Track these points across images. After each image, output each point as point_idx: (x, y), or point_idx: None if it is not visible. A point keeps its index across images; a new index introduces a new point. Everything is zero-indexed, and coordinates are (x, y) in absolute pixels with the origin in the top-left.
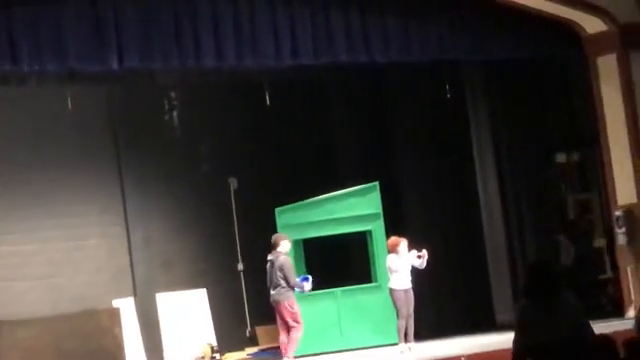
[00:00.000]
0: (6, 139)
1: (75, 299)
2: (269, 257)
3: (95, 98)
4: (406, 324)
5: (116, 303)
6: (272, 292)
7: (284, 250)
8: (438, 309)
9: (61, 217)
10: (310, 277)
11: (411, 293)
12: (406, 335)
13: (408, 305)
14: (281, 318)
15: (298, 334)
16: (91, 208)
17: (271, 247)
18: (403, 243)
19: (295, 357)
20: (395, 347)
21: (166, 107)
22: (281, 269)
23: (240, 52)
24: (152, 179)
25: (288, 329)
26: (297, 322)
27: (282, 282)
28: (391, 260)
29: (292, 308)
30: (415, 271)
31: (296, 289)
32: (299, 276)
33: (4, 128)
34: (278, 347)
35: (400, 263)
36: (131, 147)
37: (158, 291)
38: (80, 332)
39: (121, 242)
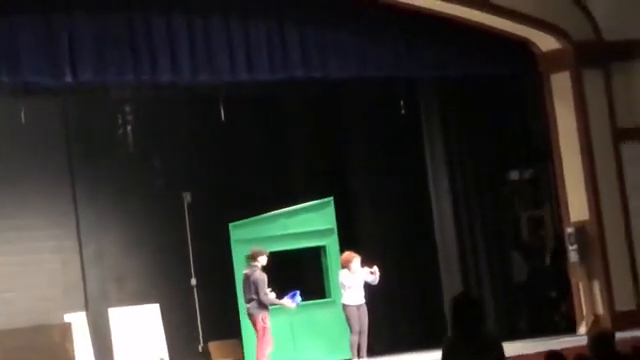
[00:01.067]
0: None
1: (27, 313)
2: (245, 271)
3: (49, 112)
4: (359, 340)
5: (68, 318)
6: (247, 305)
7: (261, 264)
8: (392, 325)
9: (13, 230)
10: (298, 292)
11: (364, 309)
12: (359, 351)
13: (361, 321)
14: (255, 330)
15: (267, 349)
16: (44, 222)
17: (248, 260)
18: (356, 259)
19: None
20: None
21: (120, 121)
22: (255, 284)
23: (195, 67)
24: (105, 193)
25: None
26: (267, 337)
27: (256, 296)
28: (344, 276)
29: (264, 323)
30: (369, 287)
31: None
32: (288, 293)
33: None
34: None
35: (353, 279)
36: (85, 161)
37: (110, 306)
38: (31, 347)
39: (73, 256)
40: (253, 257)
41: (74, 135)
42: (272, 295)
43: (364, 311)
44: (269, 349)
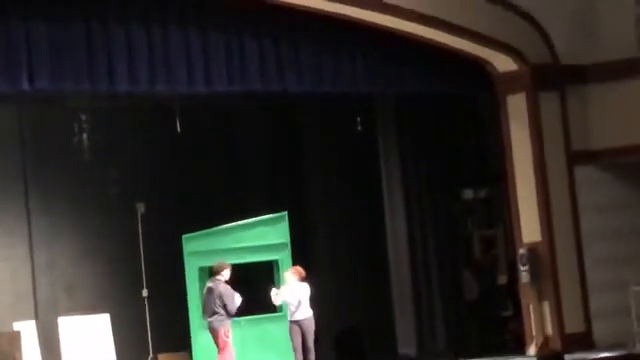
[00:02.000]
0: None
1: None
2: (208, 284)
3: (4, 117)
4: (304, 352)
5: (17, 326)
6: (209, 319)
7: (225, 278)
8: (342, 340)
9: None
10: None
11: (306, 325)
12: None
13: (303, 337)
14: (216, 344)
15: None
16: None
17: (211, 274)
18: (288, 274)
19: None
20: None
21: (76, 130)
22: (220, 297)
23: (153, 77)
24: (59, 202)
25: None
26: (228, 350)
27: (220, 310)
28: (284, 291)
29: (226, 336)
30: (321, 302)
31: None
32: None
33: None
34: None
35: (290, 294)
36: (39, 168)
37: (60, 315)
38: None
39: (24, 265)
40: (217, 271)
41: (29, 142)
42: (238, 301)
43: (307, 327)
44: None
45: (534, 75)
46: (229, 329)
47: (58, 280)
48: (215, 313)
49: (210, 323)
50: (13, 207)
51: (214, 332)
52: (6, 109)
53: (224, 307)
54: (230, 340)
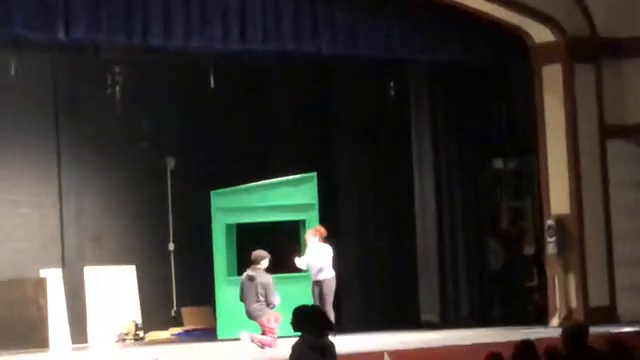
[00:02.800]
0: None
1: (2, 266)
2: (249, 272)
3: (39, 67)
4: None
5: (43, 273)
6: (249, 308)
7: (264, 267)
8: (365, 304)
9: None
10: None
11: (325, 285)
12: None
13: (322, 298)
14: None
15: (272, 344)
16: (26, 176)
17: (251, 263)
18: (309, 234)
19: (225, 339)
20: None
21: (109, 81)
22: (263, 287)
23: (188, 32)
24: (89, 152)
25: None
26: (273, 336)
27: (262, 299)
28: (305, 256)
29: (269, 323)
30: (345, 264)
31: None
32: None
33: None
34: (203, 328)
35: (311, 256)
36: (71, 118)
37: (87, 264)
38: (5, 300)
39: (53, 212)
40: (256, 260)
41: (62, 91)
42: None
43: (325, 286)
44: (271, 346)
45: (571, 47)
46: (270, 317)
47: (86, 230)
48: (257, 302)
49: (250, 312)
50: (44, 155)
51: (257, 320)
52: (41, 59)
53: (265, 297)
54: (275, 326)
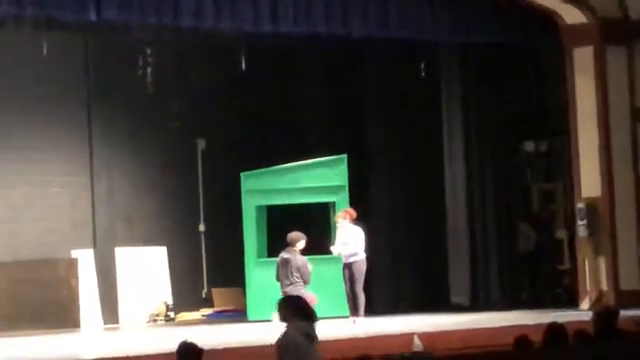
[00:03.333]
0: None
1: (33, 246)
2: (284, 255)
3: (71, 47)
4: (354, 298)
5: (75, 254)
6: (285, 289)
7: (300, 249)
8: (395, 286)
9: (25, 163)
10: None
11: (356, 267)
12: (357, 309)
13: (352, 280)
14: None
15: None
16: (57, 156)
17: (286, 244)
18: (339, 216)
19: (255, 321)
20: (345, 319)
21: (140, 63)
22: (298, 269)
23: (219, 13)
24: (120, 133)
25: None
26: None
27: (297, 280)
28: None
29: None
30: (376, 247)
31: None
32: None
33: None
34: (233, 310)
35: (340, 235)
36: (102, 99)
37: (118, 245)
38: (36, 280)
39: (84, 193)
40: (292, 242)
41: (94, 72)
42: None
43: (356, 269)
44: None
45: (603, 29)
46: (307, 295)
47: (117, 210)
48: (291, 284)
49: (286, 293)
50: (75, 135)
51: None
52: (73, 39)
53: (301, 278)
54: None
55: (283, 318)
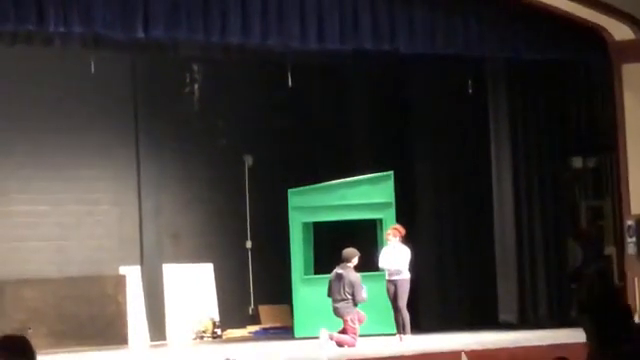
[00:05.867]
0: (27, 97)
1: (81, 263)
2: (338, 270)
3: (119, 65)
4: (397, 316)
5: (122, 270)
6: (336, 305)
7: (354, 265)
8: (443, 303)
9: (74, 180)
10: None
11: (400, 285)
12: (401, 327)
13: (396, 297)
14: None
15: (352, 343)
16: (105, 174)
17: (341, 260)
18: (389, 233)
19: (302, 338)
20: (391, 337)
21: (187, 80)
22: (351, 285)
23: (265, 31)
24: (168, 150)
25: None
26: (354, 336)
27: (348, 297)
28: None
29: (353, 323)
30: (421, 264)
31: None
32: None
33: (26, 86)
34: (280, 327)
35: (387, 252)
36: (150, 116)
37: (165, 262)
38: (84, 296)
39: (132, 210)
40: (347, 258)
41: (141, 89)
42: (365, 293)
43: (399, 287)
44: (350, 345)
45: None
46: (355, 316)
47: (164, 227)
48: (342, 300)
49: (337, 309)
50: (123, 153)
51: (340, 318)
52: (120, 56)
53: (352, 295)
54: (358, 327)
55: None
